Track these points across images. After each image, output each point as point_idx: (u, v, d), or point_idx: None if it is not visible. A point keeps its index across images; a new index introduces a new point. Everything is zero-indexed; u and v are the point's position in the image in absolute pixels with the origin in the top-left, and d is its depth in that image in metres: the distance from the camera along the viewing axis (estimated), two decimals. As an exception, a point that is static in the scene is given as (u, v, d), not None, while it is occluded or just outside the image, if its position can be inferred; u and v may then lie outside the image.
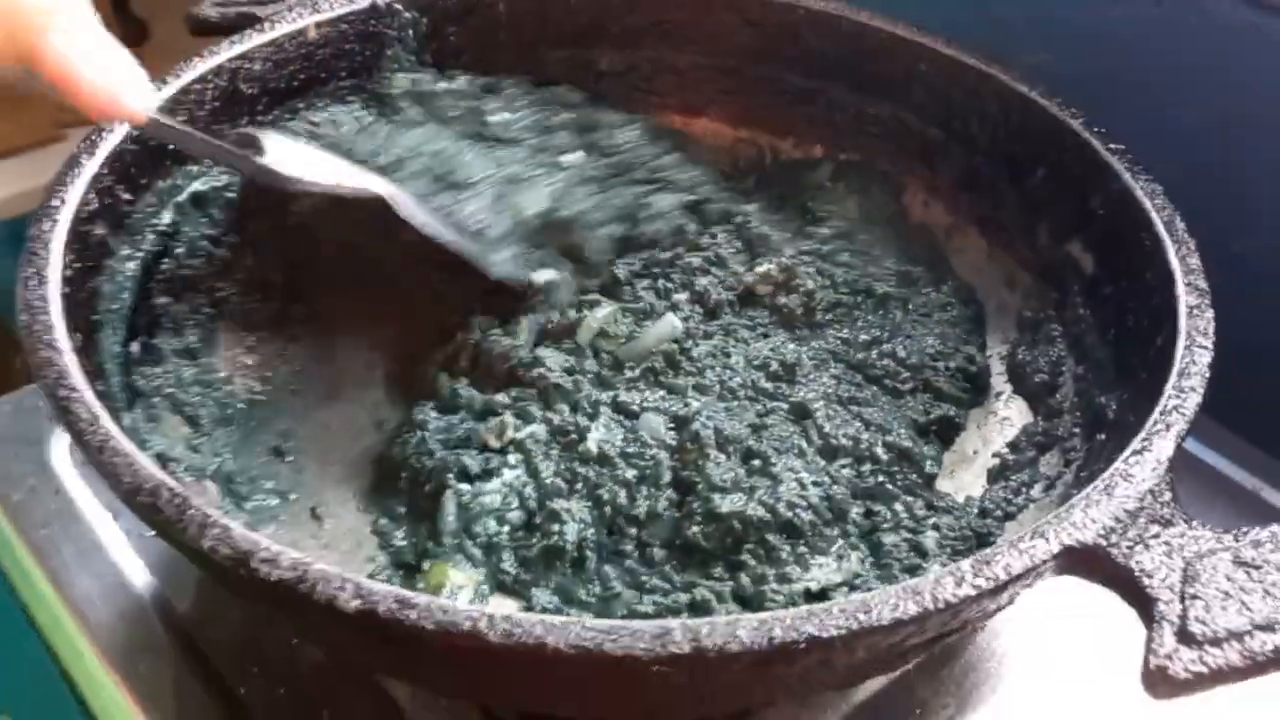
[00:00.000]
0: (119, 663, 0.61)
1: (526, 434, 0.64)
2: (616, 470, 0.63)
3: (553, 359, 0.68)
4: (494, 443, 0.64)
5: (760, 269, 0.74)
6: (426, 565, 0.60)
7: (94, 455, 0.47)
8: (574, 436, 0.64)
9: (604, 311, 0.70)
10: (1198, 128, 0.81)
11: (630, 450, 0.64)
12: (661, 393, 0.67)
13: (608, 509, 0.61)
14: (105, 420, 0.48)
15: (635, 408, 0.66)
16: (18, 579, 0.66)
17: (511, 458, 0.63)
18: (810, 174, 0.83)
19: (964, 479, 0.68)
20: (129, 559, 0.66)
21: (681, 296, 0.73)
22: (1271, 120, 0.77)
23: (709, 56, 0.84)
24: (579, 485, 0.62)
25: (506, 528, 0.61)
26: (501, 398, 0.66)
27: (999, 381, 0.73)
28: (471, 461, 0.63)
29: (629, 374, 0.68)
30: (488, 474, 0.62)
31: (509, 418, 0.65)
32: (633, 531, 0.61)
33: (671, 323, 0.70)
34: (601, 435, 0.64)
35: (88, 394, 0.49)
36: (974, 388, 0.72)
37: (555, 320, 0.70)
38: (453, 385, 0.68)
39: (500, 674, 0.45)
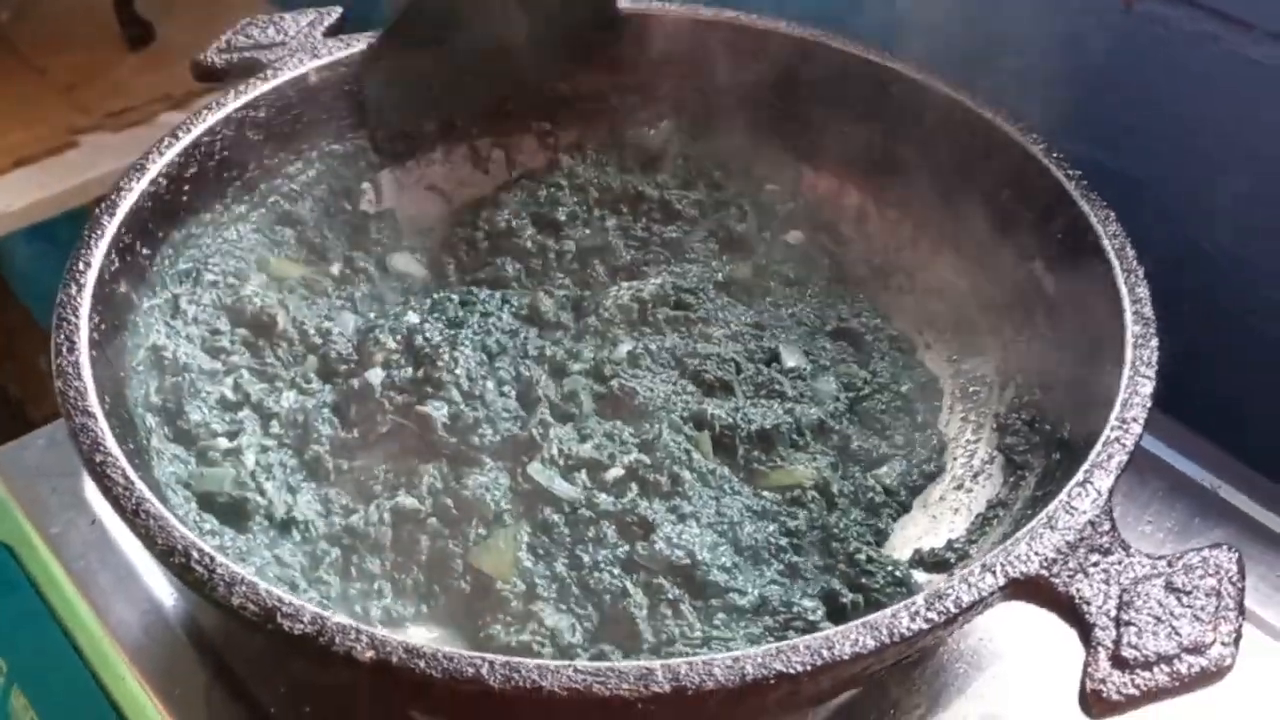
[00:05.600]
0: (157, 684, 0.66)
1: None
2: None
3: None
4: None
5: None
6: None
7: (129, 518, 0.52)
8: None
9: None
10: (1163, 130, 0.84)
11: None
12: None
13: None
14: (139, 484, 0.53)
15: None
16: (60, 608, 0.71)
17: None
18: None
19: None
20: (161, 584, 0.71)
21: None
22: (1229, 121, 0.80)
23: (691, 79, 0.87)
24: None
25: None
26: None
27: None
28: None
29: None
30: None
31: None
32: None
33: None
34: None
35: (122, 459, 0.54)
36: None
37: None
38: None
39: (504, 710, 0.50)
